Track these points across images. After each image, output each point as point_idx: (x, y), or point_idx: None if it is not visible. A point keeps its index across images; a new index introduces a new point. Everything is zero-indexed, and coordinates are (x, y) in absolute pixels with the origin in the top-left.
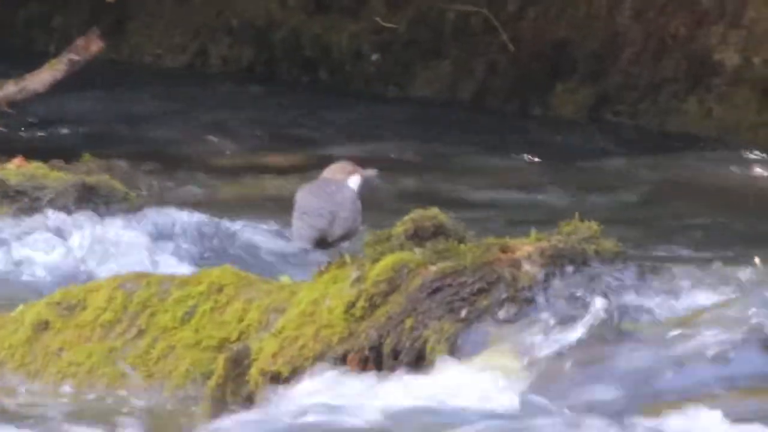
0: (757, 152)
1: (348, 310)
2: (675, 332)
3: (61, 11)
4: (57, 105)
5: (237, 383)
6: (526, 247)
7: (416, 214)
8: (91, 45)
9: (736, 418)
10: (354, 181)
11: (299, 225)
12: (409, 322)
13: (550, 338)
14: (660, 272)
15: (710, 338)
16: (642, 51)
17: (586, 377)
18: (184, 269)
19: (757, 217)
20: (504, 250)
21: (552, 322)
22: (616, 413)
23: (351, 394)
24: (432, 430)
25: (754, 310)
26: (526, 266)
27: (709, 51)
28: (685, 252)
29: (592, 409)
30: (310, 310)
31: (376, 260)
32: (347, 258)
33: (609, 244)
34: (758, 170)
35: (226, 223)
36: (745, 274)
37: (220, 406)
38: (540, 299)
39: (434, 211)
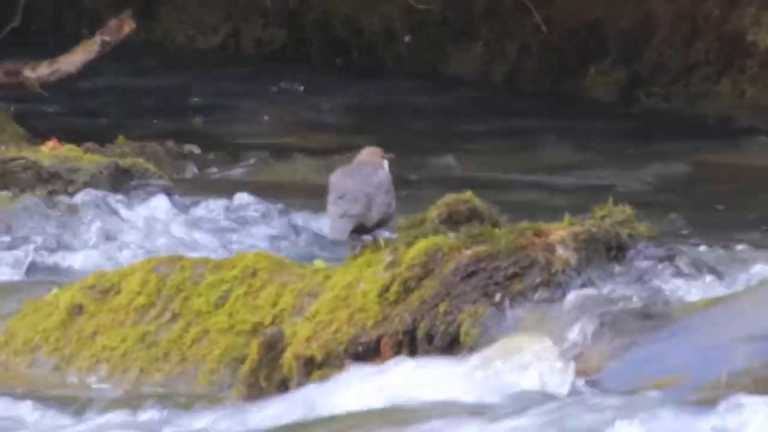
0: None
1: (382, 294)
2: (710, 316)
3: None
4: (90, 87)
5: (271, 368)
6: (560, 231)
7: (450, 198)
8: (123, 26)
9: None
10: (386, 165)
11: (335, 212)
12: (443, 307)
13: (584, 322)
14: (694, 256)
15: (747, 321)
16: (674, 33)
17: (623, 362)
18: (218, 252)
19: None
20: (538, 234)
21: (586, 306)
22: (654, 398)
23: (386, 379)
24: (472, 412)
25: None
26: (560, 250)
27: (742, 32)
28: (718, 235)
29: (630, 393)
30: (343, 294)
31: (409, 244)
32: (381, 242)
33: (643, 228)
34: None
35: (260, 206)
36: None
37: (254, 390)
38: (574, 283)
39: (468, 194)
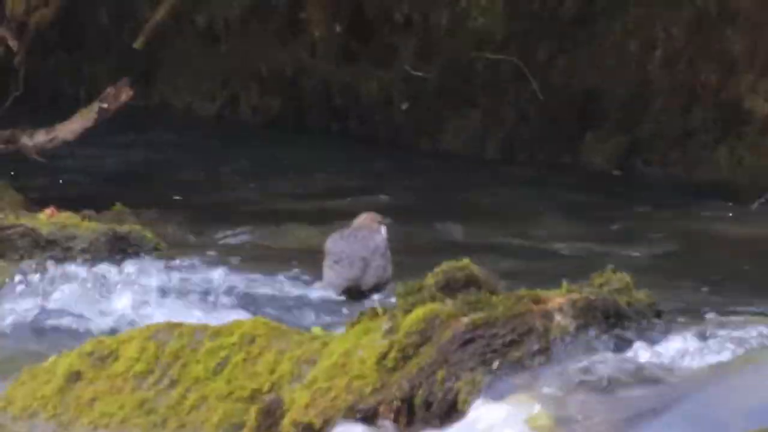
0: None
1: (380, 361)
2: (710, 384)
3: (90, 60)
4: (87, 154)
5: None
6: (558, 298)
7: (447, 265)
8: (121, 93)
9: None
10: (383, 231)
11: (330, 274)
12: (441, 374)
13: (581, 390)
14: (692, 323)
15: (746, 390)
16: (672, 100)
17: (619, 429)
18: (216, 319)
19: None
20: (536, 301)
21: (584, 373)
22: None
23: None
24: None
25: None
26: (558, 318)
27: (740, 100)
28: (717, 303)
29: None
30: (342, 361)
31: (407, 311)
32: (379, 309)
33: (641, 296)
34: None
35: (257, 273)
36: None
37: None
38: (572, 351)
39: (466, 261)
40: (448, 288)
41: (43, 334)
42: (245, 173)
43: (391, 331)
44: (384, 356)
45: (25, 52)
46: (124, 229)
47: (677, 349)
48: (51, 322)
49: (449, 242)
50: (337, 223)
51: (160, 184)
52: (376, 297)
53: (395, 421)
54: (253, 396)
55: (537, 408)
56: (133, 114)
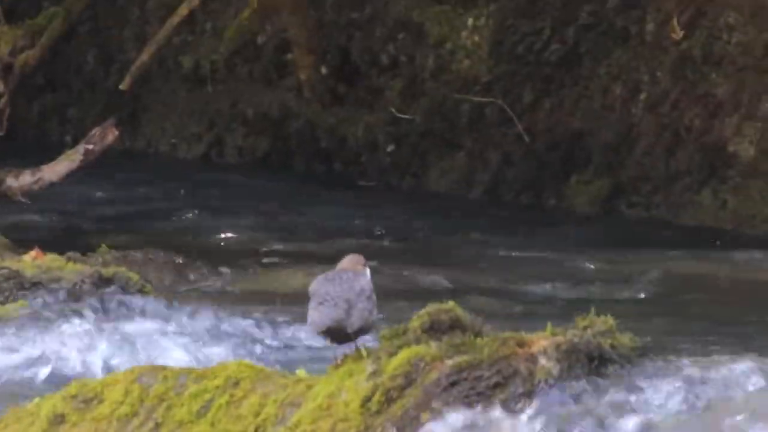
0: None
1: (364, 404)
2: (694, 426)
3: (76, 102)
4: (73, 196)
5: None
6: (542, 341)
7: (432, 307)
8: (106, 135)
9: None
10: (368, 273)
11: (315, 315)
12: (425, 416)
13: None
14: (676, 366)
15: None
16: (656, 143)
17: None
18: (201, 362)
19: None
20: (520, 344)
21: (568, 417)
22: None
23: None
24: None
25: None
26: (543, 361)
27: (724, 143)
28: (701, 345)
29: None
30: (326, 404)
31: (392, 354)
32: (363, 351)
33: (625, 339)
34: None
35: (241, 316)
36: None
37: None
38: (556, 394)
39: (450, 304)
40: (433, 330)
41: (26, 376)
42: (230, 215)
43: (375, 373)
44: (368, 399)
45: (11, 94)
46: (109, 271)
47: (662, 393)
48: (34, 364)
49: (434, 284)
50: (321, 264)
51: (145, 226)
52: (360, 341)
53: None
54: None
55: None
56: (119, 156)
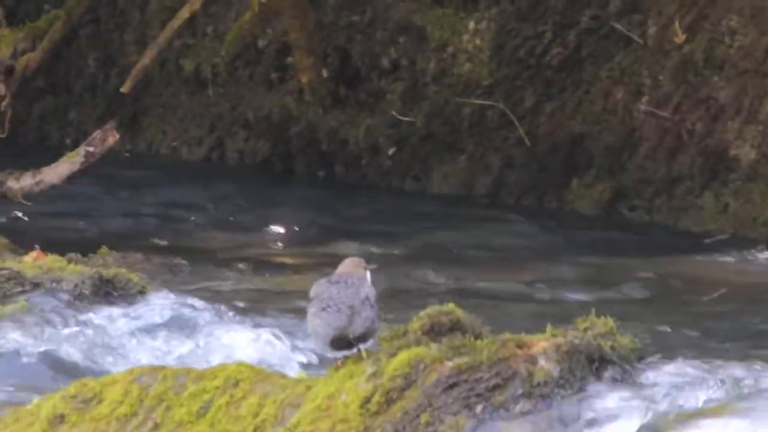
0: None
1: (364, 405)
2: (694, 429)
3: (77, 105)
4: (74, 197)
5: None
6: (542, 343)
7: (432, 309)
8: (107, 137)
9: None
10: (368, 276)
11: (317, 322)
12: (424, 418)
13: None
14: (676, 368)
15: None
16: (658, 146)
17: None
18: (200, 363)
19: None
20: (520, 345)
21: (567, 418)
22: None
23: None
24: None
25: None
26: (542, 362)
27: (726, 146)
28: (701, 347)
29: None
30: (325, 404)
31: (392, 355)
32: (363, 353)
33: (625, 341)
34: None
35: (242, 316)
36: (763, 371)
37: None
38: (556, 395)
39: (450, 306)
40: (433, 332)
41: (26, 376)
42: (231, 218)
43: (375, 375)
44: (368, 400)
45: (12, 96)
46: (110, 272)
47: (661, 394)
48: (34, 364)
49: (434, 286)
50: (322, 266)
51: (146, 228)
52: (362, 346)
53: None
54: None
55: None
56: (120, 159)
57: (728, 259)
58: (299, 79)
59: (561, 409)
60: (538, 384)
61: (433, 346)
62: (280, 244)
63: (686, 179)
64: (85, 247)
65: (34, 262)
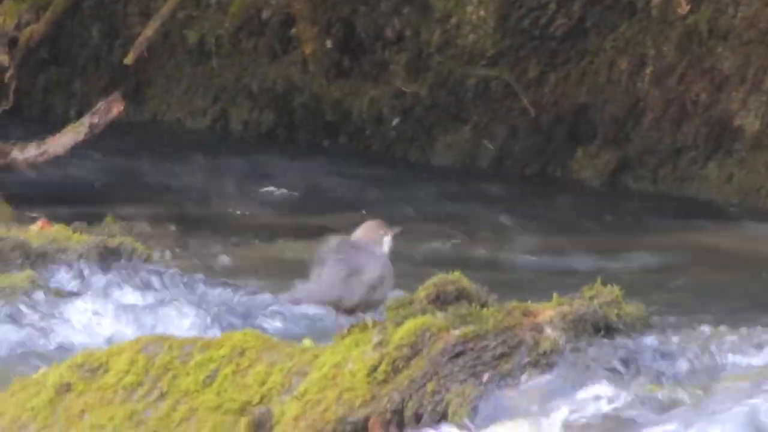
0: None
1: (370, 373)
2: (699, 397)
3: (81, 76)
4: (78, 167)
5: None
6: (548, 311)
7: (438, 278)
8: (112, 108)
9: None
10: (387, 243)
11: (312, 288)
12: (431, 386)
13: (571, 403)
14: (682, 337)
15: (735, 402)
16: (662, 116)
17: None
18: (206, 332)
19: None
20: (526, 314)
21: (574, 386)
22: None
23: None
24: None
25: None
26: (548, 330)
27: (730, 116)
28: (706, 317)
29: None
30: (332, 373)
31: (398, 324)
32: (369, 322)
33: (631, 309)
34: None
35: (248, 286)
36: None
37: None
38: (562, 363)
39: (456, 275)
40: (439, 301)
41: (33, 346)
42: (236, 187)
43: (381, 343)
44: (374, 369)
45: (16, 68)
46: (114, 241)
47: (667, 362)
48: (40, 334)
49: (440, 255)
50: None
51: (151, 198)
52: (366, 315)
53: None
54: (243, 408)
55: (526, 421)
56: (124, 129)
57: (733, 228)
58: (303, 50)
59: (567, 377)
60: (545, 352)
61: (439, 314)
62: (284, 213)
63: (691, 149)
64: (90, 217)
65: (39, 231)
